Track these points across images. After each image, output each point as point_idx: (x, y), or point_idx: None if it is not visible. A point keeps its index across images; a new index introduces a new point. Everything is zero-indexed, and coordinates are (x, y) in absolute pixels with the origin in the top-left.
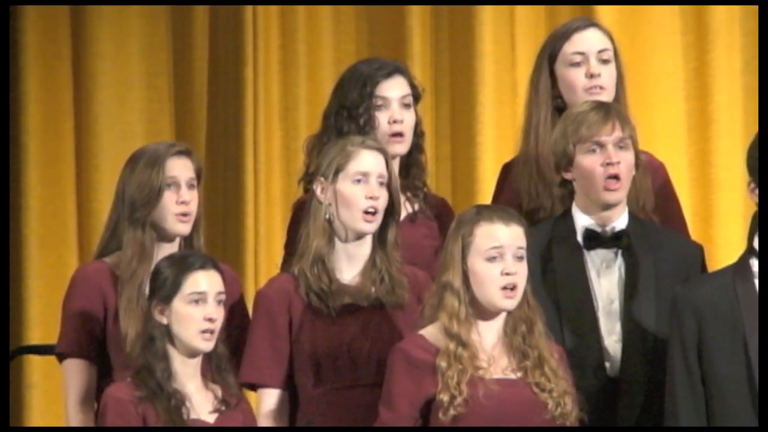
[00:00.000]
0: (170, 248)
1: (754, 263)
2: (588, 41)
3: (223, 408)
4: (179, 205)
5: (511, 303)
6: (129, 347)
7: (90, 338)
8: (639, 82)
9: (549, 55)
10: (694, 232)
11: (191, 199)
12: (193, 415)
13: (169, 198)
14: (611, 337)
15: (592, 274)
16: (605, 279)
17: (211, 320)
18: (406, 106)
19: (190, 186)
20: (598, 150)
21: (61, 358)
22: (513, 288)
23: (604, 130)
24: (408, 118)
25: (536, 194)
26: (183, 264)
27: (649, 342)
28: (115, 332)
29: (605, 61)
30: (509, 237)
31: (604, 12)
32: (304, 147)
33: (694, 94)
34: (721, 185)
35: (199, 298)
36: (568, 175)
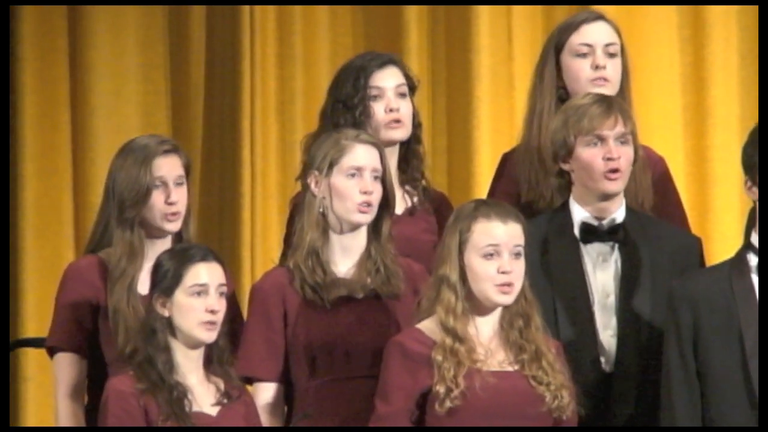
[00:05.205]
0: (162, 243)
1: (751, 258)
2: (596, 33)
3: (225, 400)
4: (168, 206)
5: (507, 298)
6: (120, 346)
7: (81, 332)
8: (635, 76)
9: (556, 45)
10: (691, 227)
11: (179, 198)
12: (195, 408)
13: (157, 197)
14: (606, 331)
15: (589, 267)
16: (601, 273)
17: (213, 312)
18: (402, 95)
19: (178, 184)
20: (599, 143)
21: (51, 352)
22: (509, 285)
23: (606, 124)
24: (404, 107)
25: (536, 183)
26: (184, 256)
27: (644, 336)
28: (107, 327)
29: (612, 55)
30: (506, 235)
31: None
32: (301, 145)
33: (690, 88)
34: (718, 180)
35: (201, 290)
36: (566, 166)
